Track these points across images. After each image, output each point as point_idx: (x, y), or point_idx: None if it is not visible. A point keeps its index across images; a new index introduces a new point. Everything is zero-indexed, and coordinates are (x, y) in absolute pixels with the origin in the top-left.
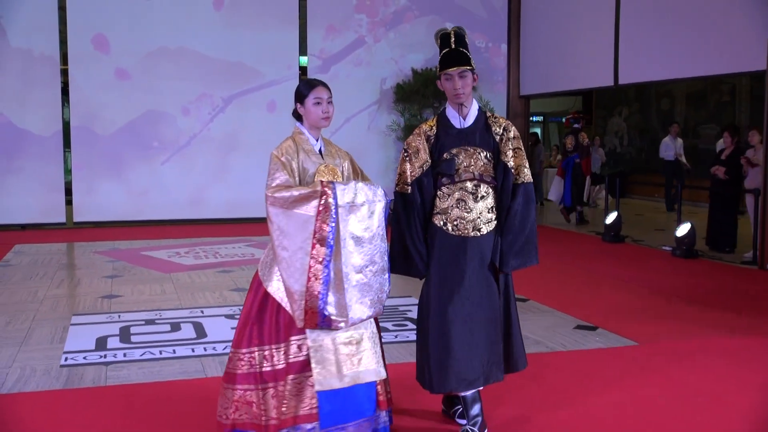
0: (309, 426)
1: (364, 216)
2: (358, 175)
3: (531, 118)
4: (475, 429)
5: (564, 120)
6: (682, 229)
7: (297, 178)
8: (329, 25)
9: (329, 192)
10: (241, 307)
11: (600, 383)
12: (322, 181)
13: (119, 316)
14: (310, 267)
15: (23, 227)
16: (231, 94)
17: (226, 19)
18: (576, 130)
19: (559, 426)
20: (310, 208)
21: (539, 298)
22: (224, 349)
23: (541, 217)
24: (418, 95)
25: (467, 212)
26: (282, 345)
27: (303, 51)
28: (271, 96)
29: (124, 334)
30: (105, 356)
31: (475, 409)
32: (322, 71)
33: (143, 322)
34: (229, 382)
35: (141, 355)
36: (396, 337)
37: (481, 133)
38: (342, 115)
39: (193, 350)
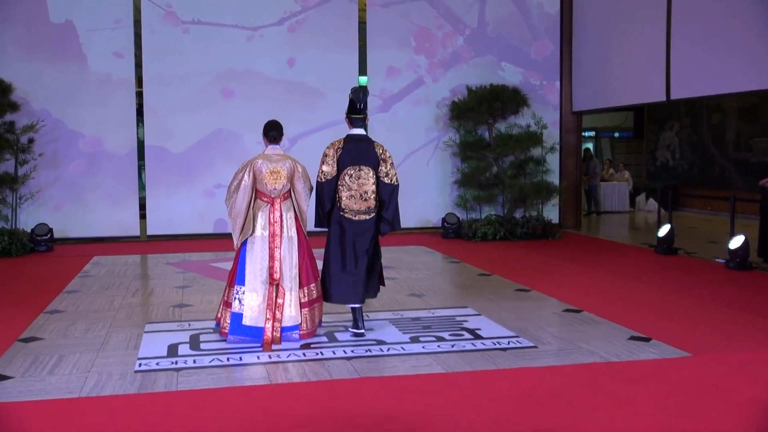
0: None
1: None
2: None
3: (583, 134)
4: (354, 328)
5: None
6: (736, 242)
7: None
8: (389, 67)
9: None
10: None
11: (654, 393)
12: None
13: (189, 325)
14: None
15: (101, 240)
16: (296, 134)
17: (289, 47)
18: None
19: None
20: None
21: (593, 309)
22: (288, 356)
23: (596, 229)
24: (473, 112)
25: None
26: None
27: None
28: (329, 133)
29: (194, 342)
30: (176, 362)
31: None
32: (382, 110)
33: (212, 330)
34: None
35: (210, 362)
36: (452, 346)
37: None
38: (403, 151)
39: (258, 357)
